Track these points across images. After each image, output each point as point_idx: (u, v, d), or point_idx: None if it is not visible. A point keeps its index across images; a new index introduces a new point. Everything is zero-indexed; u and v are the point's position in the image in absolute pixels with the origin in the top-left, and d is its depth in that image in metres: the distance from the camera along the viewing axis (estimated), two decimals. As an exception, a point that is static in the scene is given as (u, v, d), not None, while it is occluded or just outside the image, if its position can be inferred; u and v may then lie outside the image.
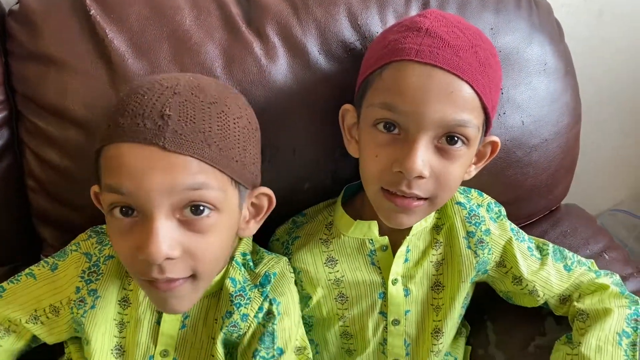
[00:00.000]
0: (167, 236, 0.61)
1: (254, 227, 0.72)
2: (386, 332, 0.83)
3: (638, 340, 0.78)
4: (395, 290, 0.81)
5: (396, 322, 0.82)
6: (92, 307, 0.73)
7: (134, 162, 0.60)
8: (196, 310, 0.76)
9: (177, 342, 0.75)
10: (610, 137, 1.50)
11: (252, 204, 0.71)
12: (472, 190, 0.86)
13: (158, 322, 0.75)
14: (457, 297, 0.82)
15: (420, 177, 0.68)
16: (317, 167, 0.84)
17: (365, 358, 0.84)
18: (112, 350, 0.75)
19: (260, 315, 0.73)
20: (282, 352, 0.72)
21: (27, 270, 0.75)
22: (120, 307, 0.75)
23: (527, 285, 0.83)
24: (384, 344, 0.83)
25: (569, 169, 1.01)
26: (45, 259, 0.75)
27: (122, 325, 0.75)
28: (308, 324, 0.86)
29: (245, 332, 0.73)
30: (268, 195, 0.71)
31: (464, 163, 0.72)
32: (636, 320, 0.80)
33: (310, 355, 0.77)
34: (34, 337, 0.77)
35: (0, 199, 0.85)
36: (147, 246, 0.60)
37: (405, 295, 0.82)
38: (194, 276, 0.65)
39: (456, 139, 0.68)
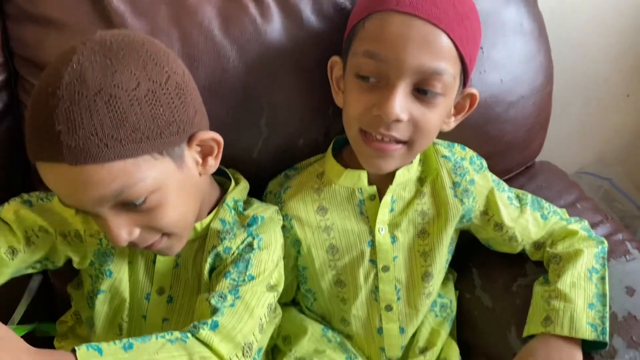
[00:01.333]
0: (121, 225, 0.66)
1: (213, 163, 0.73)
2: (377, 279, 0.87)
3: (606, 274, 0.85)
4: (383, 238, 0.86)
5: (386, 269, 0.87)
6: None
7: (56, 182, 0.63)
8: (187, 251, 0.79)
9: (172, 281, 0.79)
10: (576, 103, 1.57)
11: (200, 146, 0.71)
12: (456, 144, 0.91)
13: (154, 262, 0.79)
14: (444, 242, 0.88)
15: (398, 120, 0.73)
16: (311, 123, 0.88)
17: (359, 305, 0.88)
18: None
19: (241, 246, 0.77)
20: (252, 278, 0.74)
21: None
22: (127, 247, 0.78)
23: (507, 231, 0.89)
24: (376, 291, 0.88)
25: (543, 126, 1.07)
26: None
27: (130, 265, 0.79)
28: (303, 275, 0.91)
29: (224, 261, 0.76)
30: (212, 139, 0.71)
31: (442, 111, 0.76)
32: (603, 257, 0.87)
33: (277, 297, 0.79)
34: (53, 254, 0.78)
35: (1, 161, 0.86)
36: (110, 237, 0.66)
37: (392, 242, 0.87)
38: (166, 234, 0.70)
39: (433, 86, 0.72)
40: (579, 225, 0.91)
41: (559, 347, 0.78)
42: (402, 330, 0.89)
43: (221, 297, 0.71)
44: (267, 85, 0.84)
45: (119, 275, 0.78)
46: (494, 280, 0.94)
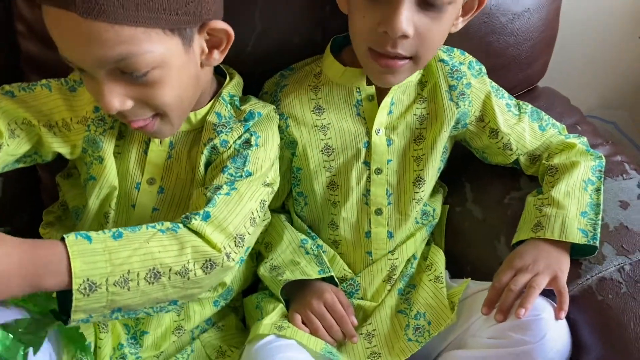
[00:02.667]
0: (113, 92, 0.64)
1: (219, 57, 0.72)
2: (369, 182, 0.86)
3: (601, 187, 0.84)
4: (379, 140, 0.85)
5: (379, 171, 0.86)
6: (112, 127, 0.76)
7: (62, 32, 0.61)
8: (181, 143, 0.78)
9: (163, 172, 0.78)
10: (583, 41, 1.53)
11: (210, 36, 0.70)
12: (455, 49, 0.89)
13: (145, 152, 0.78)
14: (437, 147, 0.86)
15: (405, 36, 0.71)
16: (307, 19, 0.86)
17: (349, 208, 0.87)
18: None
19: (239, 142, 0.76)
20: (250, 174, 0.74)
21: (43, 81, 0.76)
22: (116, 139, 0.78)
23: (502, 138, 0.87)
24: (367, 195, 0.87)
25: (548, 44, 1.04)
26: (65, 79, 0.76)
27: (116, 155, 0.78)
28: (296, 177, 0.89)
29: (221, 155, 0.76)
30: (223, 29, 0.70)
31: (449, 19, 0.74)
32: (600, 170, 0.86)
33: (272, 195, 0.79)
34: (39, 148, 0.76)
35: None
36: (101, 101, 0.65)
37: (388, 145, 0.85)
38: (159, 115, 0.70)
39: None
40: (578, 140, 0.90)
41: (547, 250, 0.77)
42: (390, 235, 0.88)
43: (217, 188, 0.70)
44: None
45: (109, 162, 0.77)
46: (486, 193, 0.93)
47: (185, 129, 0.78)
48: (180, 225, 0.66)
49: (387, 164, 0.86)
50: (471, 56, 0.88)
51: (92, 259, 0.59)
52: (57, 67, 0.83)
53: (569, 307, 0.72)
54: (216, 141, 0.75)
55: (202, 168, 0.76)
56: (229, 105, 0.78)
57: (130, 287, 0.61)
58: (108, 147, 0.76)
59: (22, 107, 0.73)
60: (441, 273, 0.87)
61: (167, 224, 0.66)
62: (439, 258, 0.89)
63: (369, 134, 0.84)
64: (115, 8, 0.58)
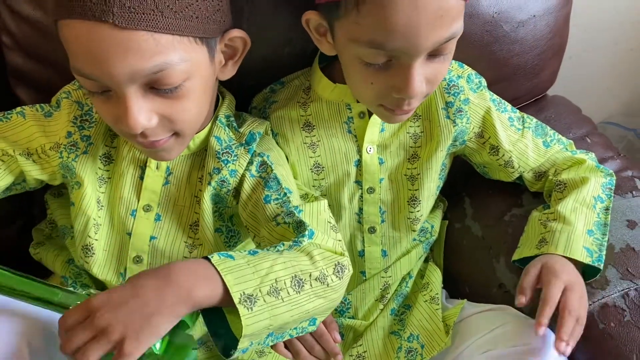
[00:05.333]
0: (142, 109, 0.61)
1: (232, 69, 0.71)
2: (362, 201, 0.83)
3: (610, 205, 0.79)
4: (370, 158, 0.81)
5: (371, 190, 0.82)
6: (85, 152, 0.74)
7: (90, 46, 0.57)
8: (180, 168, 0.76)
9: (161, 198, 0.76)
10: (603, 45, 1.47)
11: (227, 46, 0.69)
12: (454, 62, 0.84)
13: (141, 178, 0.75)
14: (433, 167, 0.82)
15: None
16: (297, 30, 0.82)
17: (342, 228, 0.84)
18: (97, 200, 0.75)
19: (253, 169, 0.73)
20: (290, 191, 0.72)
21: (18, 109, 0.74)
22: (102, 163, 0.76)
23: (503, 155, 0.83)
24: (360, 214, 0.83)
25: (557, 52, 1.00)
26: (41, 105, 0.74)
27: (102, 180, 0.76)
28: (287, 194, 0.86)
29: (237, 187, 0.74)
30: (241, 38, 0.69)
31: (453, 50, 0.69)
32: (610, 189, 0.81)
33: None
34: (24, 177, 0.75)
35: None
36: (126, 120, 0.61)
37: (380, 164, 0.82)
38: (176, 134, 0.67)
39: (446, 48, 0.65)
40: (587, 156, 0.85)
41: (554, 260, 0.72)
42: (384, 254, 0.84)
43: (289, 214, 0.69)
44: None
45: (87, 189, 0.74)
46: (486, 210, 0.89)
47: (184, 153, 0.75)
48: (298, 243, 0.65)
49: (380, 182, 0.82)
50: (470, 68, 0.84)
51: (241, 272, 0.58)
52: (43, 80, 0.83)
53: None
54: (224, 172, 0.73)
55: (207, 199, 0.73)
56: (226, 127, 0.75)
57: (283, 298, 0.59)
58: (83, 173, 0.74)
59: (1, 138, 0.73)
60: (437, 293, 0.83)
61: (288, 243, 0.65)
62: (436, 277, 0.85)
63: (360, 152, 0.81)
64: (155, 15, 0.56)
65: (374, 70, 0.66)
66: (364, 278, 0.85)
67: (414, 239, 0.86)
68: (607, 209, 0.79)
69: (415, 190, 0.83)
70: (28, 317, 0.64)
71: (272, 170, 0.73)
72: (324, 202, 0.74)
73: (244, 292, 0.56)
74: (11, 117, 0.74)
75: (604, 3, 1.38)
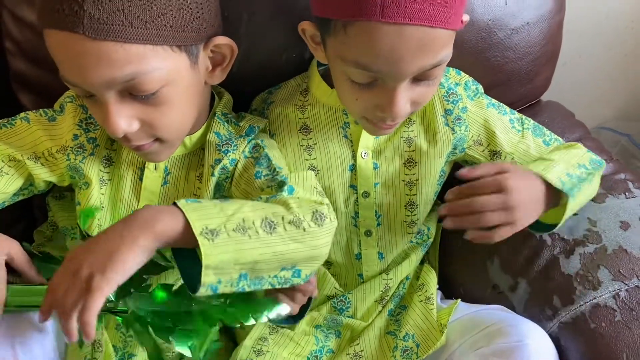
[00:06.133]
0: (122, 114, 0.63)
1: (221, 74, 0.72)
2: (357, 205, 0.84)
3: (594, 177, 0.80)
4: (365, 163, 0.82)
5: (366, 195, 0.84)
6: (92, 154, 0.76)
7: (68, 55, 0.60)
8: (178, 168, 0.77)
9: (160, 198, 0.77)
10: (596, 50, 1.49)
11: (213, 52, 0.69)
12: (451, 69, 0.86)
13: (141, 179, 0.77)
14: (432, 173, 0.83)
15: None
16: (296, 37, 0.84)
17: (338, 231, 0.85)
18: (100, 201, 0.77)
19: (246, 150, 0.75)
20: (280, 168, 0.73)
21: (22, 115, 0.76)
22: (103, 165, 0.77)
23: (505, 158, 0.84)
24: (356, 217, 0.85)
25: (551, 58, 1.01)
26: (44, 109, 0.76)
27: (103, 182, 0.77)
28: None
29: (233, 171, 0.75)
30: (227, 45, 0.70)
31: (441, 76, 0.71)
32: (597, 166, 0.82)
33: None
34: (32, 181, 0.77)
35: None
36: (107, 124, 0.63)
37: (375, 169, 0.83)
38: (159, 140, 0.68)
39: (433, 74, 0.67)
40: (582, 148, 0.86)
41: (540, 192, 0.72)
42: (380, 256, 0.86)
43: (274, 181, 0.70)
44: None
45: (94, 189, 0.76)
46: (481, 212, 0.90)
47: (181, 152, 0.77)
48: (275, 197, 0.66)
49: (375, 187, 0.84)
50: (467, 75, 0.85)
51: (206, 211, 0.59)
52: (45, 85, 0.84)
53: (561, 333, 0.69)
54: (225, 161, 0.74)
55: (211, 191, 0.75)
56: (225, 123, 0.77)
57: (250, 235, 0.59)
58: (91, 174, 0.76)
59: (5, 144, 0.74)
60: (432, 294, 0.85)
61: (265, 197, 0.67)
62: (431, 278, 0.87)
63: (354, 157, 0.82)
64: (124, 27, 0.58)
65: (360, 88, 0.68)
66: (362, 280, 0.86)
67: (411, 242, 0.88)
68: (590, 173, 0.78)
69: (413, 195, 0.84)
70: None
71: (263, 150, 0.75)
72: (311, 173, 0.75)
73: (206, 227, 0.57)
74: (15, 122, 0.75)
75: (598, 9, 1.40)
